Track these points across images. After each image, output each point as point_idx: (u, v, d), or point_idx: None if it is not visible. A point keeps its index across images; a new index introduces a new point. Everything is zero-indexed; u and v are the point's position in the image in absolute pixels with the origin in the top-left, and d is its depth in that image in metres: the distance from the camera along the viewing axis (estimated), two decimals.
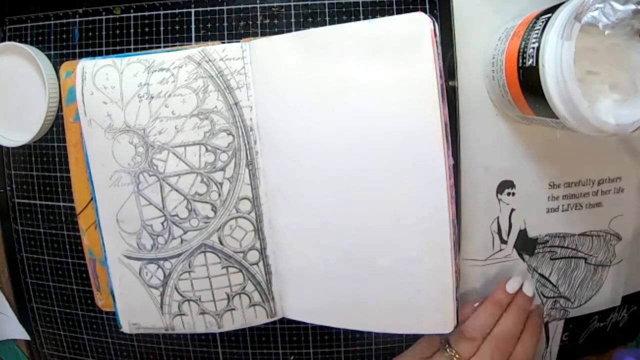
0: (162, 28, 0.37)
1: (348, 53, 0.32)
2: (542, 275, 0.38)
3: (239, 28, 0.36)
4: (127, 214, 0.35)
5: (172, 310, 0.36)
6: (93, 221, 0.37)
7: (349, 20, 0.36)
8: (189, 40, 0.37)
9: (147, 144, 0.34)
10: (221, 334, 0.40)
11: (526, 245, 0.37)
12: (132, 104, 0.34)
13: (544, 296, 0.39)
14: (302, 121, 0.33)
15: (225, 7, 0.36)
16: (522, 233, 0.37)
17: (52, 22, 0.38)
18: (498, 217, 0.37)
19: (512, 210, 0.37)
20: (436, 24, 0.30)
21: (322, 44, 0.32)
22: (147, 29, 0.37)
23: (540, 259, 0.38)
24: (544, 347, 0.40)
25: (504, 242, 0.37)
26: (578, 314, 0.40)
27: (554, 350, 0.40)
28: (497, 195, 0.37)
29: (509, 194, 0.36)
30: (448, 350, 0.33)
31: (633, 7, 0.24)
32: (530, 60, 0.27)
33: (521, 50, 0.28)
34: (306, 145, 0.33)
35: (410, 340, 0.39)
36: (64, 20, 0.38)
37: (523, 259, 0.38)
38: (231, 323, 0.36)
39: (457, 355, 0.33)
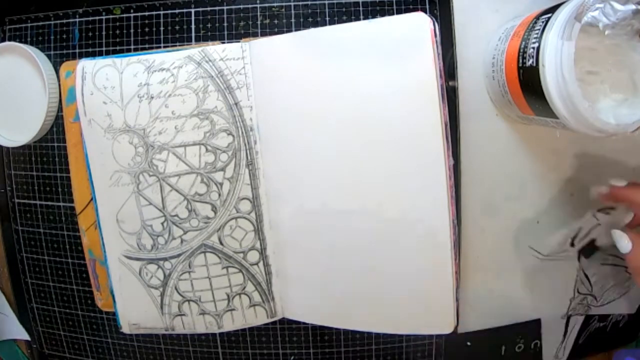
0: (162, 28, 0.37)
1: (348, 53, 0.32)
2: (585, 275, 0.39)
3: (239, 28, 0.36)
4: (127, 214, 0.35)
5: (172, 310, 0.36)
6: (93, 221, 0.37)
7: (349, 20, 0.36)
8: (189, 40, 0.37)
9: (147, 144, 0.34)
10: (221, 334, 0.40)
11: (589, 251, 0.39)
12: (132, 104, 0.34)
13: (578, 292, 0.39)
14: (302, 121, 0.33)
15: (225, 7, 0.36)
16: (592, 242, 0.38)
17: (52, 22, 0.38)
18: (581, 228, 0.38)
19: (597, 225, 0.38)
20: (436, 24, 0.30)
21: (322, 44, 0.32)
22: (147, 29, 0.37)
23: (593, 262, 0.39)
24: (560, 340, 0.40)
25: (572, 245, 0.38)
26: (595, 313, 0.40)
27: (568, 345, 0.41)
28: (594, 214, 0.38)
29: (607, 213, 0.37)
30: None
31: (633, 7, 0.24)
32: (530, 60, 0.27)
33: (521, 50, 0.28)
34: (306, 145, 0.33)
35: (410, 340, 0.39)
36: (64, 20, 0.38)
37: (579, 259, 0.39)
38: (231, 323, 0.36)
39: None
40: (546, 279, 0.39)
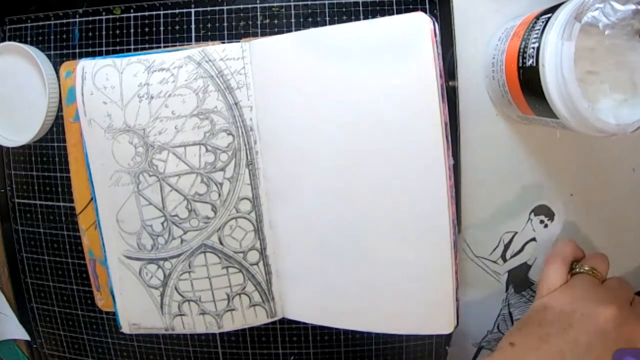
0: (162, 28, 0.37)
1: (348, 53, 0.32)
2: (510, 313, 0.37)
3: (239, 28, 0.36)
4: (127, 214, 0.35)
5: (172, 310, 0.36)
6: (93, 221, 0.37)
7: (349, 20, 0.36)
8: (189, 40, 0.37)
9: (147, 144, 0.34)
10: (221, 334, 0.40)
11: (519, 280, 0.37)
12: (132, 104, 0.34)
13: (498, 329, 0.38)
14: (302, 121, 0.33)
15: (225, 7, 0.36)
16: (524, 267, 0.37)
17: (52, 22, 0.38)
18: (516, 233, 0.36)
19: (532, 239, 0.36)
20: (436, 23, 0.30)
21: (322, 44, 0.32)
22: (147, 29, 0.37)
23: (519, 299, 0.37)
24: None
25: (504, 259, 0.37)
26: None
27: None
28: (530, 214, 0.36)
29: (542, 221, 0.36)
30: (585, 267, 0.31)
31: (633, 7, 0.24)
32: (530, 60, 0.27)
33: (521, 50, 0.28)
34: (306, 145, 0.33)
35: (410, 340, 0.39)
36: (64, 20, 0.38)
37: (507, 288, 0.37)
38: (231, 323, 0.36)
39: (594, 271, 0.31)
40: (475, 292, 0.37)
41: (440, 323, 0.33)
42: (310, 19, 0.36)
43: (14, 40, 0.38)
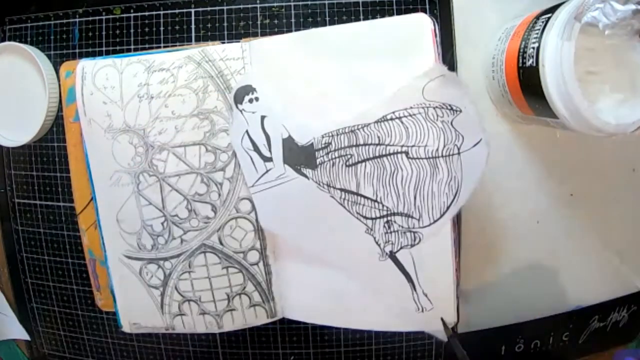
0: (162, 28, 0.37)
1: (348, 53, 0.32)
2: (346, 191, 0.29)
3: (239, 28, 0.36)
4: (127, 214, 0.35)
5: (172, 310, 0.36)
6: (93, 221, 0.37)
7: (349, 20, 0.36)
8: (189, 40, 0.37)
9: (147, 144, 0.34)
10: (221, 334, 0.40)
11: (299, 156, 0.29)
12: (132, 104, 0.34)
13: (366, 217, 0.30)
14: (301, 121, 0.33)
15: (225, 7, 0.36)
16: (288, 142, 0.30)
17: (52, 22, 0.38)
18: (247, 130, 0.30)
19: (263, 117, 0.30)
20: (436, 24, 0.30)
21: (323, 44, 0.32)
22: (147, 29, 0.37)
23: (330, 169, 0.29)
24: (408, 285, 0.32)
25: (267, 159, 0.31)
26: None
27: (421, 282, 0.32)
28: (237, 107, 0.31)
29: (250, 100, 0.31)
30: None
31: (633, 7, 0.24)
32: (530, 60, 0.27)
33: (521, 50, 0.28)
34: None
35: (410, 340, 0.39)
36: (64, 20, 0.38)
37: (305, 175, 0.30)
38: (231, 323, 0.36)
39: None
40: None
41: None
42: (310, 19, 0.36)
43: (14, 40, 0.38)
